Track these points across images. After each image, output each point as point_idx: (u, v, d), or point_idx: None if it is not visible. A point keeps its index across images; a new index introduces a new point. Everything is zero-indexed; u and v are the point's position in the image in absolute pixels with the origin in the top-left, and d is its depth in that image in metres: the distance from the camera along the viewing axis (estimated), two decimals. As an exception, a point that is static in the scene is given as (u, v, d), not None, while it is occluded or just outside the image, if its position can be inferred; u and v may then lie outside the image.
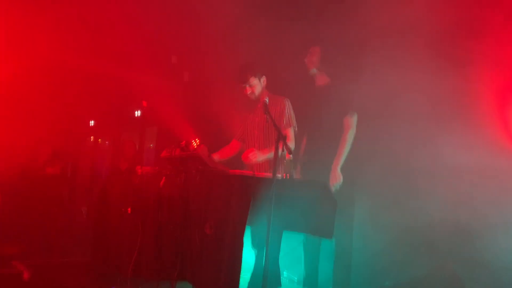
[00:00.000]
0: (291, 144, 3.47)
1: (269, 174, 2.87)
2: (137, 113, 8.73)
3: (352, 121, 3.59)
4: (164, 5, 5.27)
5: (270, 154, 3.40)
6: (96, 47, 6.19)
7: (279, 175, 2.99)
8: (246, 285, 3.20)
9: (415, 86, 3.58)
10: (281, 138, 2.79)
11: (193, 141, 3.76)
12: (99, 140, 10.40)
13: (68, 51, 6.31)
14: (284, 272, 4.25)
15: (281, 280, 3.36)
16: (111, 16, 5.46)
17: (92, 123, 10.01)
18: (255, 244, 3.27)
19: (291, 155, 2.98)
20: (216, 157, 3.74)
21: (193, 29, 5.19)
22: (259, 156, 3.36)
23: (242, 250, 2.60)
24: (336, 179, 3.45)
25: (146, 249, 3.37)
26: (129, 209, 3.70)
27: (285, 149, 2.78)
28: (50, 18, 5.13)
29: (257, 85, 3.61)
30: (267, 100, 3.35)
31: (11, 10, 4.82)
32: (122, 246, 3.73)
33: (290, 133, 3.51)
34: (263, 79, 3.64)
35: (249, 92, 3.62)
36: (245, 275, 3.29)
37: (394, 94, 3.65)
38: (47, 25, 5.31)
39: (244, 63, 3.67)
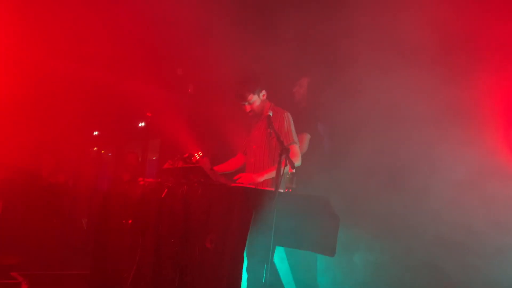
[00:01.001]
0: (297, 160, 3.39)
1: (271, 188, 2.83)
2: (141, 125, 8.76)
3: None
4: (168, 17, 5.31)
5: (270, 174, 3.36)
6: (100, 59, 6.23)
7: (281, 190, 2.96)
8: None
9: (417, 94, 3.59)
10: (284, 152, 2.77)
11: (195, 153, 3.75)
12: (102, 151, 10.43)
13: (72, 62, 6.37)
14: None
15: None
16: (116, 28, 5.51)
17: (95, 134, 10.05)
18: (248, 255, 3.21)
19: (293, 170, 2.95)
20: (220, 169, 3.72)
21: (196, 41, 5.22)
22: (257, 179, 3.31)
23: (242, 265, 2.56)
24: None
25: (145, 262, 3.33)
26: (130, 220, 3.68)
27: (288, 164, 2.76)
28: (55, 30, 5.18)
29: (256, 100, 3.57)
30: (271, 114, 3.34)
31: (18, 23, 4.87)
32: (121, 258, 3.69)
33: (295, 149, 3.45)
34: (263, 93, 3.59)
35: (249, 109, 3.59)
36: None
37: (396, 104, 3.66)
38: (53, 36, 5.36)
39: (240, 81, 3.62)
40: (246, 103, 3.55)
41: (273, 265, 2.94)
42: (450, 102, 3.47)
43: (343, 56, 4.18)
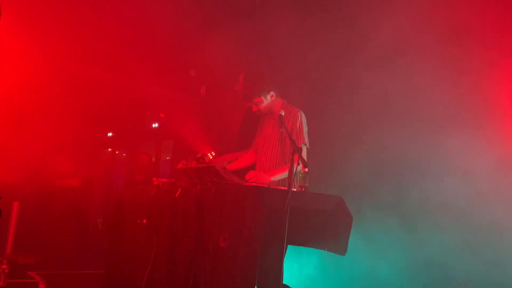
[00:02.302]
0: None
1: (284, 187, 2.83)
2: (154, 125, 8.83)
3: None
4: (181, 19, 5.35)
5: (282, 174, 3.36)
6: (114, 61, 6.30)
7: (294, 189, 2.96)
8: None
9: (428, 90, 3.57)
10: (297, 151, 2.77)
11: (208, 153, 3.77)
12: (117, 152, 10.53)
13: (87, 64, 6.45)
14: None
15: None
16: (130, 30, 5.57)
17: (110, 135, 10.15)
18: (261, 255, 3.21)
19: (306, 168, 2.95)
20: (232, 167, 3.73)
21: (208, 42, 5.24)
22: (269, 178, 3.31)
23: (256, 263, 2.57)
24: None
25: (160, 261, 3.36)
26: (144, 220, 3.71)
27: (300, 162, 2.76)
28: (70, 32, 5.26)
29: (263, 101, 3.59)
30: (283, 113, 3.34)
31: (33, 24, 4.95)
32: (136, 257, 3.73)
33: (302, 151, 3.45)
34: (271, 94, 3.60)
35: (255, 110, 3.62)
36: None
37: (412, 98, 3.65)
38: (67, 38, 5.44)
39: (247, 83, 3.68)
40: (252, 104, 3.60)
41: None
42: (466, 96, 3.44)
43: (349, 51, 4.17)
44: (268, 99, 3.59)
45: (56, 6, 4.79)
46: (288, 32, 4.56)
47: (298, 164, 2.80)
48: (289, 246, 3.04)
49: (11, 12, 4.26)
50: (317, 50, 4.39)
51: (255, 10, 4.92)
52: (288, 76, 4.47)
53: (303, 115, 3.54)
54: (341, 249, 2.91)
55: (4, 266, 3.91)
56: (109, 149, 10.48)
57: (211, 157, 3.54)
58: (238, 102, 4.88)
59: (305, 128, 3.51)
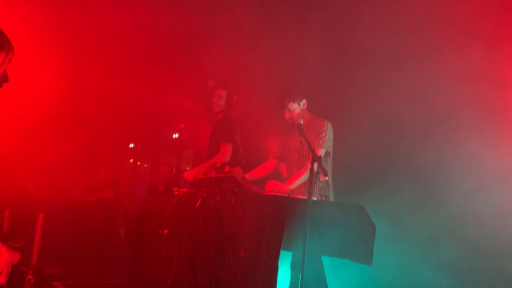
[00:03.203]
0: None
1: (304, 197, 2.81)
2: (175, 136, 8.92)
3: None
4: (201, 29, 5.41)
5: (301, 179, 3.34)
6: (135, 72, 6.41)
7: (314, 198, 2.93)
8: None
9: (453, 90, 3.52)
10: (316, 159, 2.75)
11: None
12: (138, 162, 10.67)
13: (108, 76, 6.58)
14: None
15: None
16: (150, 41, 5.66)
17: (131, 146, 10.30)
18: (294, 269, 3.20)
19: (326, 177, 2.93)
20: (251, 175, 3.73)
21: (229, 51, 5.29)
22: (287, 187, 3.30)
23: (277, 273, 2.55)
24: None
25: (181, 271, 3.37)
26: (166, 230, 3.73)
27: (320, 171, 2.74)
28: (93, 44, 5.37)
29: (296, 109, 3.58)
30: (302, 122, 3.33)
31: (57, 37, 5.08)
32: (158, 267, 3.75)
33: (321, 159, 3.43)
34: (303, 102, 3.59)
35: (288, 117, 3.60)
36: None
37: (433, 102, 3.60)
38: (91, 51, 5.56)
39: (282, 88, 3.67)
40: (286, 111, 3.58)
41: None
42: (483, 100, 3.38)
43: (371, 51, 4.14)
44: (301, 106, 3.58)
45: (76, 18, 4.91)
46: (317, 43, 4.57)
47: (318, 172, 2.77)
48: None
49: (35, 24, 4.40)
50: (346, 60, 4.38)
51: (282, 22, 4.94)
52: (314, 87, 4.45)
53: (330, 125, 3.52)
54: (366, 259, 2.87)
55: (30, 277, 3.98)
56: (131, 160, 10.63)
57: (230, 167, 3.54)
58: (255, 111, 4.90)
59: (329, 137, 3.49)
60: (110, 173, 7.80)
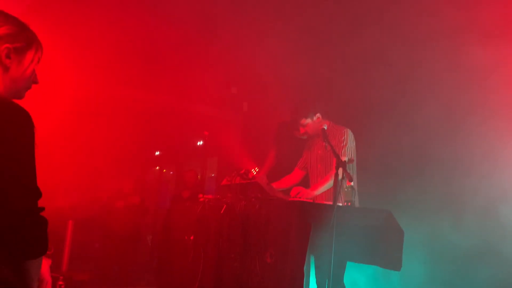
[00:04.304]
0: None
1: (329, 202, 2.79)
2: (199, 143, 9.00)
3: None
4: (223, 38, 5.46)
5: (325, 186, 3.32)
6: (159, 81, 6.51)
7: (339, 203, 2.90)
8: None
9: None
10: (341, 164, 2.72)
11: (252, 169, 3.79)
12: (164, 170, 10.80)
13: (133, 86, 6.70)
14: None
15: None
16: (173, 51, 5.74)
17: (157, 154, 10.44)
18: (318, 277, 3.16)
19: (352, 183, 2.89)
20: (277, 186, 3.72)
21: (252, 59, 5.32)
22: (312, 193, 3.27)
23: (303, 279, 2.53)
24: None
25: (207, 277, 3.38)
26: (192, 236, 3.76)
27: (345, 176, 2.71)
28: (118, 55, 5.48)
29: (310, 124, 3.57)
30: (326, 127, 3.31)
31: (83, 49, 5.21)
32: (185, 274, 3.77)
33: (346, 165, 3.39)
34: (317, 116, 3.57)
35: (303, 132, 3.60)
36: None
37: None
38: (117, 62, 5.68)
39: (294, 106, 3.67)
40: (300, 126, 3.58)
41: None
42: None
43: (395, 53, 4.09)
44: (314, 120, 3.56)
45: (98, 27, 5.02)
46: (339, 50, 4.55)
47: (343, 178, 2.74)
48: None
49: (62, 36, 4.52)
50: (367, 69, 4.35)
51: (303, 26, 4.94)
52: (336, 94, 4.43)
53: (350, 132, 3.49)
54: (395, 265, 2.81)
55: (60, 283, 4.07)
56: (157, 167, 10.77)
57: (254, 173, 3.55)
58: (280, 116, 4.89)
59: (351, 144, 3.45)
60: (136, 180, 7.93)
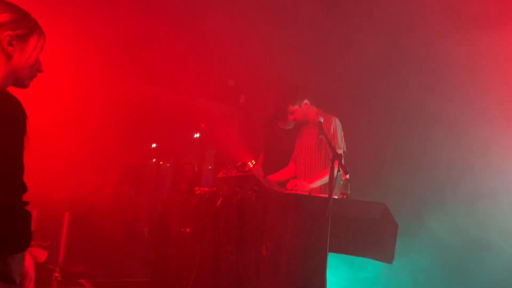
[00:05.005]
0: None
1: (325, 195, 2.80)
2: (196, 136, 9.00)
3: None
4: (220, 31, 5.44)
5: (323, 179, 3.32)
6: (156, 74, 6.49)
7: (335, 196, 2.91)
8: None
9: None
10: (337, 157, 2.73)
11: (249, 162, 3.79)
12: (161, 162, 10.80)
13: (131, 78, 6.68)
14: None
15: None
16: (171, 44, 5.72)
17: (154, 146, 10.44)
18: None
19: (347, 175, 2.90)
20: (274, 178, 3.73)
21: (249, 52, 5.30)
22: (309, 186, 3.28)
23: (299, 271, 2.54)
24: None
25: (204, 270, 3.40)
26: (188, 229, 3.77)
27: (341, 169, 2.72)
28: (115, 47, 5.46)
29: (298, 110, 3.57)
30: (322, 120, 3.31)
31: (76, 39, 5.17)
32: (181, 266, 3.79)
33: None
34: (304, 102, 3.58)
35: (291, 119, 3.61)
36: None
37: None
38: (112, 56, 5.66)
39: (281, 93, 3.67)
40: (288, 113, 3.59)
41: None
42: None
43: (398, 55, 4.09)
44: (302, 106, 3.56)
45: (93, 19, 4.99)
46: (328, 38, 4.54)
47: (339, 171, 2.75)
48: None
49: (54, 29, 4.48)
50: (356, 55, 4.33)
51: (295, 17, 4.93)
52: (325, 82, 4.43)
53: (338, 121, 3.48)
54: (388, 258, 2.84)
55: (56, 274, 4.08)
56: (154, 160, 10.77)
57: (251, 166, 3.55)
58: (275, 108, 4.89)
59: (339, 133, 3.45)
60: (129, 171, 7.94)
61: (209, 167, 8.90)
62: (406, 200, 3.75)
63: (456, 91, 3.63)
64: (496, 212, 3.31)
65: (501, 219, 3.28)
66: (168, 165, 10.73)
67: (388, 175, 4.05)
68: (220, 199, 3.31)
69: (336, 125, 3.44)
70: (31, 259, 1.57)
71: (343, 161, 3.44)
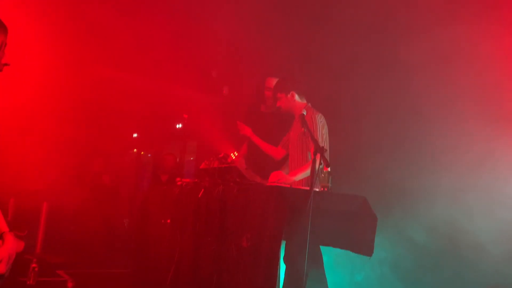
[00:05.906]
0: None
1: (306, 187, 2.81)
2: (178, 126, 8.93)
3: None
4: (203, 21, 5.39)
5: (305, 172, 3.32)
6: (137, 62, 6.41)
7: (316, 189, 2.93)
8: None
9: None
10: (319, 150, 2.75)
11: (231, 153, 3.78)
12: (142, 152, 10.70)
13: (110, 66, 6.58)
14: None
15: None
16: (154, 34, 5.65)
17: (135, 136, 10.32)
18: (287, 259, 3.19)
19: (329, 168, 2.92)
20: (261, 146, 3.77)
21: (232, 43, 5.27)
22: (291, 178, 3.28)
23: (279, 263, 2.57)
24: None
25: (184, 261, 3.39)
26: (168, 220, 3.76)
27: (322, 162, 2.74)
28: (95, 36, 5.37)
29: (283, 98, 3.58)
30: (305, 113, 3.32)
31: (53, 26, 5.06)
32: (161, 257, 3.78)
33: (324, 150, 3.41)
34: (291, 93, 3.59)
35: (278, 105, 3.62)
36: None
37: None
38: (91, 42, 5.56)
39: (268, 80, 3.70)
40: (276, 99, 3.61)
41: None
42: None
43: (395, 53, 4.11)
44: (287, 97, 3.57)
45: (74, 7, 4.90)
46: (318, 34, 4.54)
47: (320, 164, 2.77)
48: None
49: (31, 15, 4.38)
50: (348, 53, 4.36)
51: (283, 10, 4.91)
52: (314, 77, 4.43)
53: (321, 117, 3.48)
54: (367, 250, 2.88)
55: (34, 265, 4.02)
56: (135, 150, 10.66)
57: (233, 157, 3.54)
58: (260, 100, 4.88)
59: (319, 129, 3.43)
60: (109, 161, 7.86)
61: (191, 158, 8.85)
62: (386, 193, 3.79)
63: (432, 85, 3.68)
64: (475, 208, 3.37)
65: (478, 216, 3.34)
66: (149, 155, 10.62)
67: (368, 168, 4.09)
68: (202, 190, 3.30)
69: (317, 121, 3.43)
70: (9, 241, 1.59)
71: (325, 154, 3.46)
